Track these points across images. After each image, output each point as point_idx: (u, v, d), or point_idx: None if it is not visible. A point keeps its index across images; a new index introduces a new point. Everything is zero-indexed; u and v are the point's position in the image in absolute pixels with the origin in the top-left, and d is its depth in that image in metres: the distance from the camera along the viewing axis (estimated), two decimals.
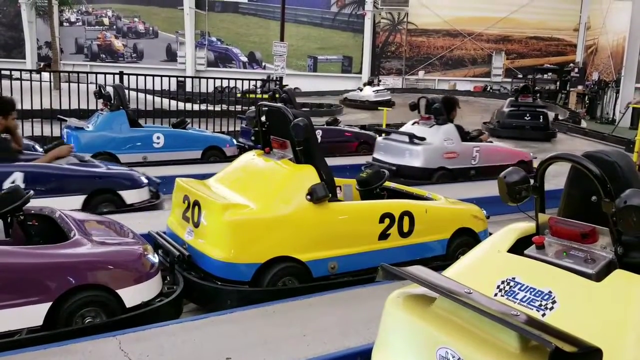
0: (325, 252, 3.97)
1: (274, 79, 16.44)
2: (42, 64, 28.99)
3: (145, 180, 5.99)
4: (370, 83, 24.33)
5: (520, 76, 29.69)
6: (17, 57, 31.59)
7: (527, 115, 13.60)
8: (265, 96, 14.13)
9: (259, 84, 17.09)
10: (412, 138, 7.87)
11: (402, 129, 8.56)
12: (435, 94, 10.27)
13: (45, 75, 14.90)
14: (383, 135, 8.91)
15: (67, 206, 4.67)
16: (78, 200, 5.41)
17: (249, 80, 11.98)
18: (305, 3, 31.61)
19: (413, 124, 8.44)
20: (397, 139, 8.29)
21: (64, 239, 3.34)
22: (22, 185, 4.87)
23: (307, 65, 32.44)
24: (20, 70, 9.97)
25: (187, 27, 31.60)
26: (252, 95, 14.06)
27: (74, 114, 9.62)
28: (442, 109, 7.99)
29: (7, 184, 4.93)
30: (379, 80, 27.13)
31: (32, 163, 5.34)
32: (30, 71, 14.26)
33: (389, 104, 23.15)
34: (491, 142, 8.81)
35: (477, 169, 8.19)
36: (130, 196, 5.69)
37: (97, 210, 5.35)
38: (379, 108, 15.33)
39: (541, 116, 13.71)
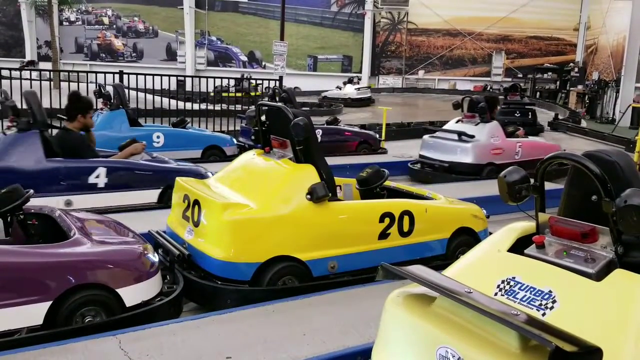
0: (325, 252, 3.97)
1: (247, 77, 16.49)
2: (24, 61, 28.89)
3: (210, 175, 6.15)
4: (350, 81, 24.44)
5: (520, 75, 29.71)
6: (17, 56, 31.56)
7: (517, 112, 14.16)
8: (239, 95, 14.20)
9: (232, 82, 17.04)
10: (461, 135, 8.35)
11: (446, 127, 9.07)
12: (477, 95, 10.76)
13: (35, 74, 14.89)
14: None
15: (145, 200, 5.64)
16: (154, 193, 5.83)
17: (249, 79, 11.98)
18: (305, 2, 31.60)
19: (457, 122, 8.89)
20: (444, 137, 8.72)
21: (63, 238, 3.34)
22: (105, 180, 5.51)
23: (307, 65, 32.44)
24: (10, 69, 9.95)
25: (187, 26, 31.59)
26: (225, 94, 13.96)
27: None
28: (486, 108, 8.54)
29: (92, 179, 5.45)
30: (359, 79, 27.30)
31: (113, 159, 5.76)
32: (20, 69, 14.22)
33: (369, 101, 23.31)
34: (527, 137, 9.35)
35: (520, 163, 8.29)
36: None
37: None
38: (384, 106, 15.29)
39: (529, 113, 14.31)
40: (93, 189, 5.48)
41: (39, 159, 5.22)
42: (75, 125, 5.58)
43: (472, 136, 8.30)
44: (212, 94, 13.35)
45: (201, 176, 5.92)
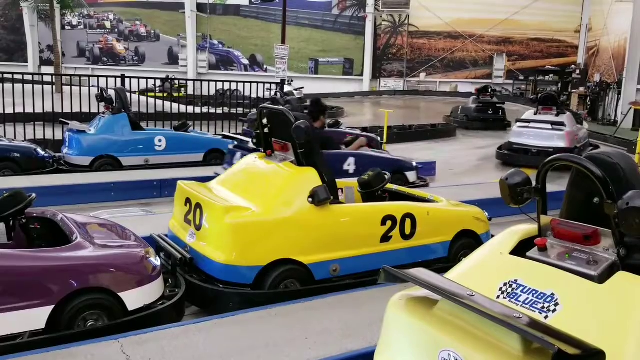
0: (327, 255, 3.97)
1: (172, 78, 16.50)
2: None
3: (415, 164, 7.91)
4: (284, 82, 24.20)
5: (522, 78, 29.69)
6: (19, 60, 31.67)
7: (490, 110, 16.76)
8: (164, 95, 14.16)
9: (157, 82, 16.98)
10: (554, 124, 10.28)
11: (531, 118, 10.92)
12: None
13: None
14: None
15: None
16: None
17: (250, 83, 12.00)
18: (307, 6, 31.65)
19: (535, 113, 10.90)
20: (535, 126, 10.56)
21: (66, 242, 3.34)
22: (353, 167, 6.95)
23: (308, 68, 32.47)
24: (13, 73, 9.98)
25: (188, 30, 31.66)
26: (151, 94, 13.86)
27: (76, 117, 9.64)
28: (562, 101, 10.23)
29: (345, 166, 6.97)
30: (291, 80, 27.27)
31: (356, 151, 7.28)
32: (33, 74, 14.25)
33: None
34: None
35: (580, 147, 10.71)
36: (410, 177, 7.63)
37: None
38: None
39: (500, 110, 16.85)
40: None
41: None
42: (318, 124, 6.37)
43: (563, 124, 10.13)
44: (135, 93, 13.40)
45: (410, 166, 7.68)
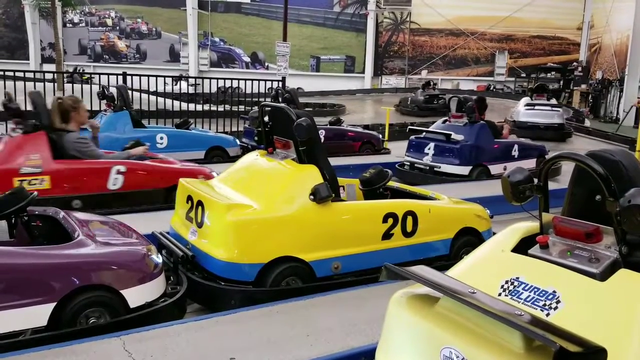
0: (328, 252, 3.97)
1: (81, 71, 16.50)
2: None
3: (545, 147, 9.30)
4: (180, 78, 23.58)
5: (524, 75, 29.64)
6: (21, 58, 31.68)
7: (435, 100, 19.66)
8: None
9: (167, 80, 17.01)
10: (552, 107, 13.92)
11: (533, 102, 14.03)
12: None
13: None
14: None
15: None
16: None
17: (252, 80, 11.99)
18: (308, 3, 31.61)
19: (531, 99, 14.27)
20: (539, 108, 13.70)
21: (67, 239, 3.35)
22: (517, 153, 8.45)
23: (309, 65, 32.45)
24: (14, 71, 9.98)
25: (190, 27, 31.65)
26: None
27: None
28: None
29: (512, 152, 8.42)
30: (187, 75, 26.97)
31: (518, 140, 8.78)
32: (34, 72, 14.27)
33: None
34: None
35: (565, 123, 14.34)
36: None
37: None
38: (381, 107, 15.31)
39: (442, 100, 19.14)
40: None
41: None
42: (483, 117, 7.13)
43: (561, 105, 12.16)
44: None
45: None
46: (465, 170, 8.07)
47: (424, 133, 8.82)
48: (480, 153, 8.21)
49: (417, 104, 19.96)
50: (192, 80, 11.65)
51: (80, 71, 19.25)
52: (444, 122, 8.82)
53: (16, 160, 5.04)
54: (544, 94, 14.29)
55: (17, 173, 5.00)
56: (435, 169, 8.21)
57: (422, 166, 8.43)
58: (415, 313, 2.06)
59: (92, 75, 19.55)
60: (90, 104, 9.90)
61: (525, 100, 14.45)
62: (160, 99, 12.61)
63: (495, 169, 8.18)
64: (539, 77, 27.88)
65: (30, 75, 9.97)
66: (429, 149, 8.38)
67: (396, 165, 8.75)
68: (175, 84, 17.94)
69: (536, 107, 13.77)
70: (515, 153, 8.61)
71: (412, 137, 8.91)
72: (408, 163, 8.69)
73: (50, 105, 5.35)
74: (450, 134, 8.15)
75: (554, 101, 14.47)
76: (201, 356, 2.85)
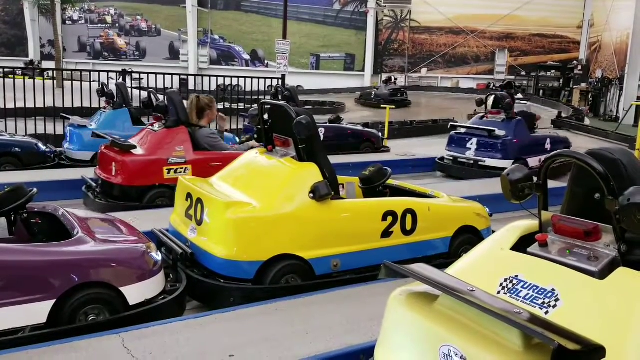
0: (328, 250, 3.97)
1: (37, 63, 16.41)
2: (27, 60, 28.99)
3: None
4: (125, 72, 24.04)
5: (524, 73, 29.63)
6: (20, 55, 31.66)
7: (398, 94, 22.52)
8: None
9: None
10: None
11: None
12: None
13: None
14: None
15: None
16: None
17: (251, 78, 11.97)
18: (308, 1, 31.59)
19: (482, 118, 12.31)
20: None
21: (67, 236, 3.35)
22: (550, 147, 8.67)
23: (309, 63, 32.44)
24: (14, 68, 9.95)
25: (189, 25, 31.62)
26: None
27: (77, 112, 9.63)
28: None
29: (469, 145, 8.50)
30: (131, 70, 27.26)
31: (550, 134, 9.10)
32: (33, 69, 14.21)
33: None
34: None
35: None
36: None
37: None
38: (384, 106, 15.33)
39: (405, 94, 23.11)
40: None
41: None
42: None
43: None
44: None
45: None
46: (507, 164, 8.33)
47: (463, 129, 9.24)
48: (520, 147, 8.68)
49: (383, 97, 21.78)
50: (135, 75, 11.45)
51: (35, 64, 19.34)
52: (481, 118, 9.30)
53: (165, 152, 5.77)
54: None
55: (166, 162, 5.75)
56: (480, 163, 8.65)
57: (464, 160, 8.89)
58: (414, 311, 2.06)
59: (90, 72, 19.67)
60: (90, 102, 9.91)
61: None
62: (160, 97, 12.58)
63: (532, 161, 8.44)
64: (539, 75, 27.90)
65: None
66: (471, 144, 8.83)
67: (436, 159, 9.39)
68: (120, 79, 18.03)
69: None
70: (548, 146, 9.06)
71: (453, 132, 9.37)
72: (450, 158, 9.11)
73: (188, 102, 6.03)
74: (494, 130, 8.61)
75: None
76: (200, 353, 2.85)
